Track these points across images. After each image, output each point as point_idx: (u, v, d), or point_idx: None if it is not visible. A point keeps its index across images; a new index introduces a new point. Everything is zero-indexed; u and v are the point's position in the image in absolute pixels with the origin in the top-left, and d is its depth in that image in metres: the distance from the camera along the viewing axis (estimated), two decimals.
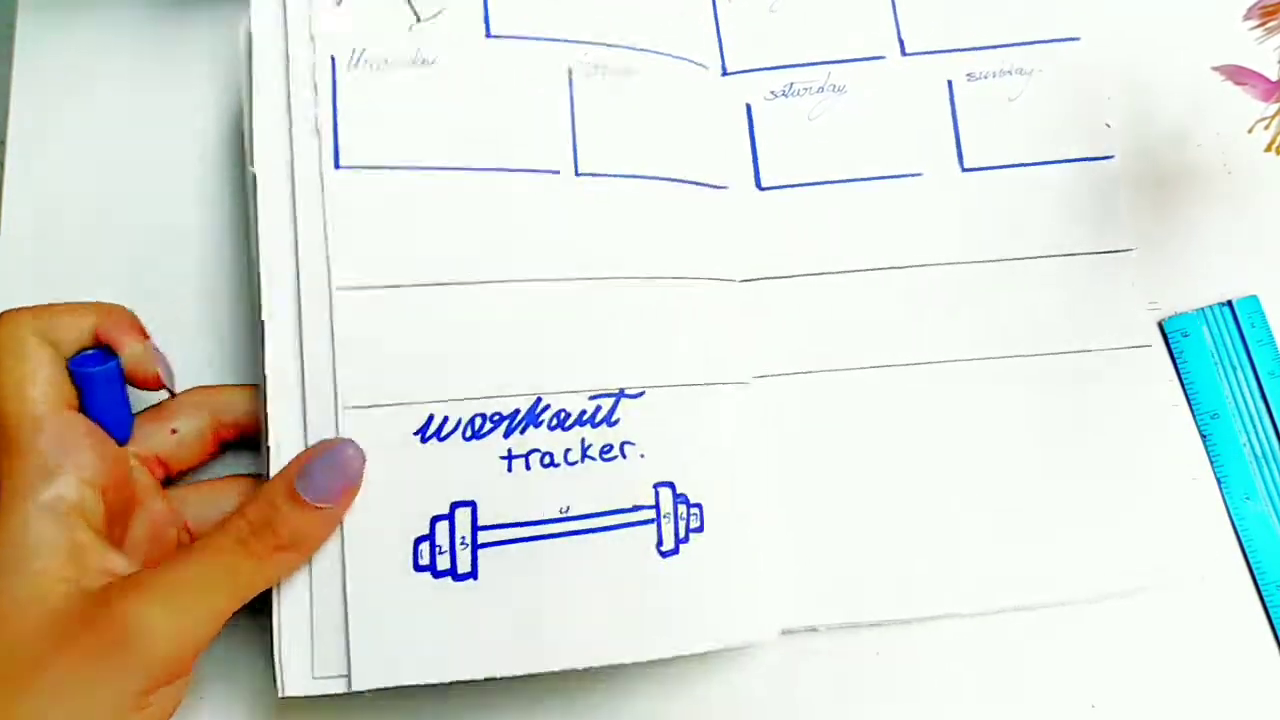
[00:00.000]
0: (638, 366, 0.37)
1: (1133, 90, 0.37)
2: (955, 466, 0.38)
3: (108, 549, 0.33)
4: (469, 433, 0.35)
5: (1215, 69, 0.35)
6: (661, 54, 0.39)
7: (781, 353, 0.39)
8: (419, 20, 0.37)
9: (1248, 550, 0.38)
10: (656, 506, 0.36)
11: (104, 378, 0.34)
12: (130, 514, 0.35)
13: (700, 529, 0.36)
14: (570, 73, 0.38)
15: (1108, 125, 0.40)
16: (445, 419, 0.35)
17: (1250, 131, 0.35)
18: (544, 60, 0.38)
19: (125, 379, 0.35)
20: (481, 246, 0.36)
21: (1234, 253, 0.39)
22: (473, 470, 0.35)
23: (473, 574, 0.35)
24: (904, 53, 0.41)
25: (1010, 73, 0.41)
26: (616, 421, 0.36)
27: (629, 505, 0.36)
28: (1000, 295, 0.39)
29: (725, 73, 0.41)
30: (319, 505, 0.33)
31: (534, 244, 0.37)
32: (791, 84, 0.41)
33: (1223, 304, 0.39)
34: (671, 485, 0.36)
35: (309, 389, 0.35)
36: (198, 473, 0.38)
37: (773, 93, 0.40)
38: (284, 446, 0.35)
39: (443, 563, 0.35)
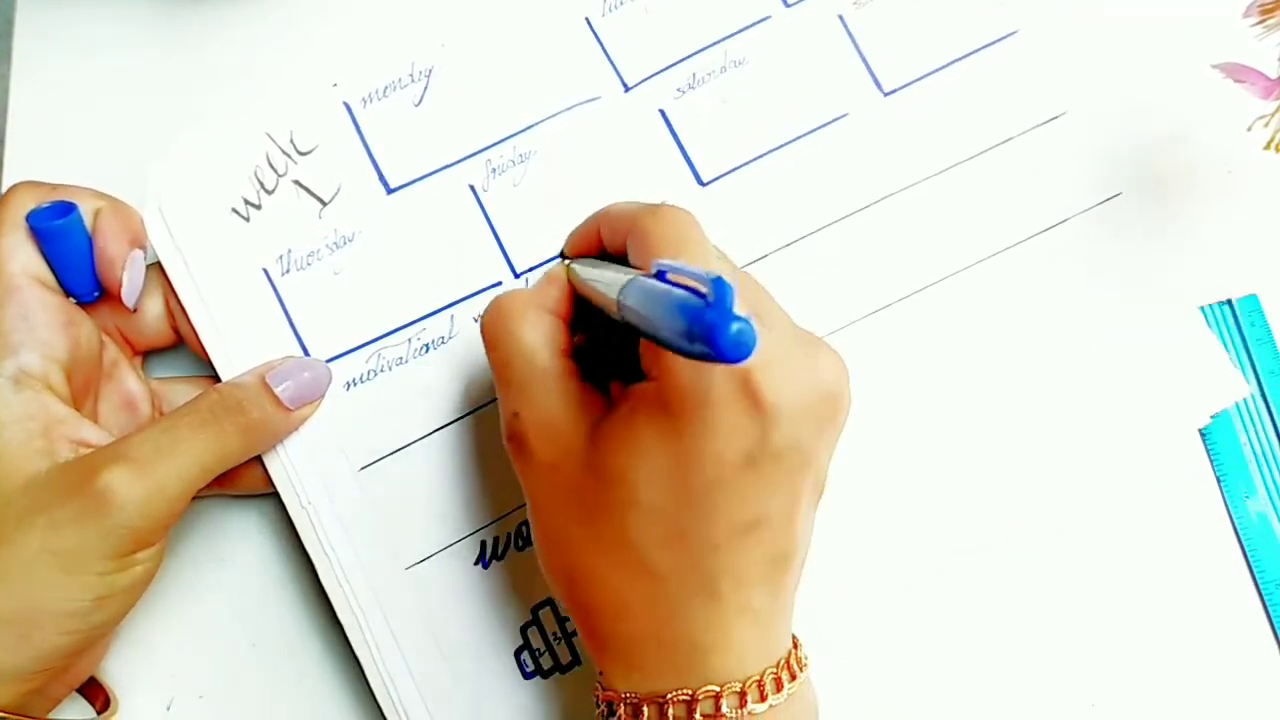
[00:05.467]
0: None
1: (1132, 89, 0.37)
2: (978, 378, 0.38)
3: (80, 420, 0.34)
4: (520, 543, 0.38)
5: (1215, 67, 0.35)
6: (550, 116, 0.39)
7: None
8: (324, 204, 0.39)
9: (1247, 549, 0.38)
10: None
11: (61, 231, 0.34)
12: (99, 386, 0.36)
13: None
14: (472, 188, 0.39)
15: (1001, 3, 0.40)
16: (496, 540, 0.38)
17: (1250, 130, 0.35)
18: (445, 190, 0.39)
19: (89, 237, 0.35)
20: (464, 378, 0.38)
21: (1234, 251, 0.38)
22: (539, 574, 0.37)
23: (576, 661, 0.38)
24: (787, 4, 0.40)
25: None
26: None
27: None
28: (965, 199, 0.39)
29: (627, 88, 0.40)
30: (287, 406, 0.36)
31: None
32: (694, 74, 0.40)
33: (1223, 302, 0.39)
34: None
35: None
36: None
37: (679, 90, 0.40)
38: None
39: (546, 662, 0.38)
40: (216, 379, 0.38)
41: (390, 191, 0.39)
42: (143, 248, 0.37)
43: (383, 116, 0.39)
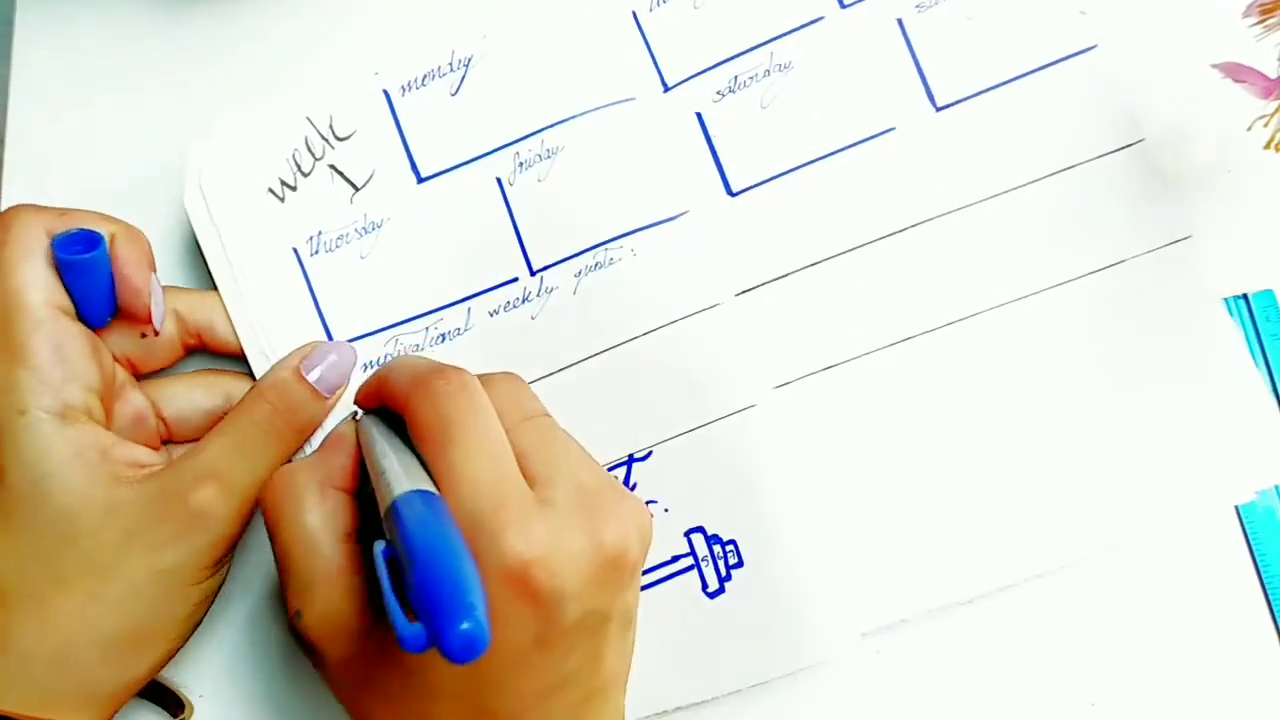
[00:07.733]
0: (640, 431, 0.37)
1: (1132, 89, 0.38)
2: (1000, 423, 0.37)
3: (124, 443, 0.35)
4: None
5: (1214, 66, 0.35)
6: (582, 113, 0.39)
7: (794, 356, 0.38)
8: (357, 190, 0.40)
9: (1253, 544, 0.37)
10: (693, 553, 0.37)
11: (90, 264, 0.35)
12: (114, 406, 0.36)
13: (740, 564, 0.37)
14: (499, 181, 0.39)
15: (1082, 12, 0.37)
16: None
17: (1250, 130, 0.35)
18: (474, 182, 0.39)
19: (110, 268, 0.35)
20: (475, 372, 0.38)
21: (1246, 249, 0.38)
22: None
23: None
24: (843, 5, 0.38)
25: None
26: (634, 486, 0.37)
27: (668, 557, 0.37)
28: (1008, 230, 0.37)
29: (666, 88, 0.39)
30: (324, 396, 0.37)
31: (521, 350, 0.39)
32: (735, 77, 0.38)
33: (1238, 297, 0.38)
34: (701, 529, 0.37)
35: None
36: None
37: (719, 93, 0.38)
38: None
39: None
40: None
41: (421, 181, 0.39)
42: (155, 270, 0.37)
43: (420, 105, 0.40)
